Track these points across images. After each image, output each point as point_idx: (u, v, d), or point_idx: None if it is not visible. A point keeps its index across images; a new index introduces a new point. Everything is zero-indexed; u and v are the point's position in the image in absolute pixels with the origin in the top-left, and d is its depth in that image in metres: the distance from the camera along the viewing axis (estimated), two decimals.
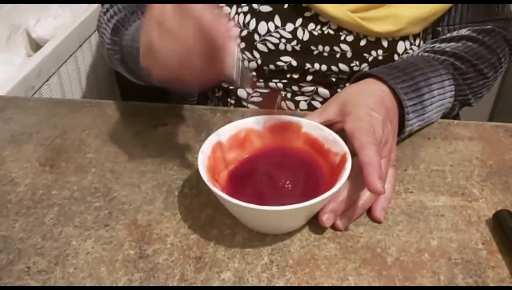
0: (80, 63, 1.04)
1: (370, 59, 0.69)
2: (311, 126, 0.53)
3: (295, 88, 0.73)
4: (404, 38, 0.70)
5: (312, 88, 0.73)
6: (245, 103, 0.76)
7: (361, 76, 0.61)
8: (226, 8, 0.70)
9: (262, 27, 0.69)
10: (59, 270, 0.47)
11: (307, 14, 0.69)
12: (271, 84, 0.74)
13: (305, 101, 0.74)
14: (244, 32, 0.70)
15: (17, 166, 0.59)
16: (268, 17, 0.69)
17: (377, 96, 0.56)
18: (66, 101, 0.82)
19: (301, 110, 0.74)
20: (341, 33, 0.69)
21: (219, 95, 0.79)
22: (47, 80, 0.92)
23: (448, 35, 0.70)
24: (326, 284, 0.45)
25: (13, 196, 0.55)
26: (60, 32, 0.98)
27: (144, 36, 0.47)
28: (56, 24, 1.00)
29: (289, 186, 0.51)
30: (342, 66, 0.70)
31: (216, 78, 0.47)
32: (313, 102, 0.74)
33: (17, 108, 0.71)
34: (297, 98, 0.74)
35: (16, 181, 0.57)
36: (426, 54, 0.67)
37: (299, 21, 0.69)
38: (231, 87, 0.76)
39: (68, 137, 0.64)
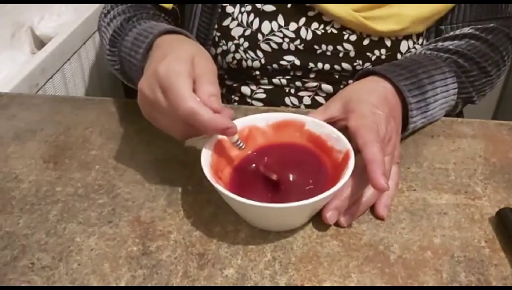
0: (84, 61, 1.04)
1: (373, 58, 0.69)
2: (314, 123, 0.54)
3: (298, 84, 0.73)
4: (407, 37, 0.70)
5: (315, 83, 0.73)
6: (249, 100, 0.76)
7: (365, 73, 0.61)
8: (229, 8, 0.70)
9: (266, 26, 0.69)
10: (63, 266, 0.47)
11: (310, 13, 0.69)
12: (275, 81, 0.74)
13: (309, 96, 0.74)
14: (248, 32, 0.70)
15: (21, 163, 0.60)
16: (272, 17, 0.69)
17: (380, 94, 0.56)
18: (70, 98, 0.83)
19: (305, 105, 0.74)
20: (344, 33, 0.69)
21: (223, 92, 0.79)
22: (51, 78, 0.92)
23: (451, 33, 0.70)
24: (328, 282, 0.45)
25: (17, 192, 0.55)
26: (64, 29, 0.98)
27: (140, 106, 0.53)
28: (60, 22, 1.00)
29: (292, 183, 0.51)
30: (345, 65, 0.70)
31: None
32: (317, 97, 0.74)
33: (21, 105, 0.71)
34: (301, 93, 0.74)
35: (20, 178, 0.57)
36: (429, 52, 0.67)
37: (302, 21, 0.69)
38: (235, 85, 0.77)
39: (72, 134, 0.64)
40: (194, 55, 0.51)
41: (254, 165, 0.53)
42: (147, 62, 0.54)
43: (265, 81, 0.74)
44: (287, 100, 0.74)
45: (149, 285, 0.45)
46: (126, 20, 0.68)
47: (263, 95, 0.75)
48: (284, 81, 0.73)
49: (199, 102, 0.47)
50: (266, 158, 0.54)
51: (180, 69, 0.49)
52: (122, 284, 0.45)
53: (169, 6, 0.73)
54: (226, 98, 0.78)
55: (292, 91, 0.74)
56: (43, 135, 0.64)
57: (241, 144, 0.51)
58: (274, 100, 0.74)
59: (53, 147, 0.62)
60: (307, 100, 0.74)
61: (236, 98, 0.77)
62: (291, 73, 0.73)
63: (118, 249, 0.48)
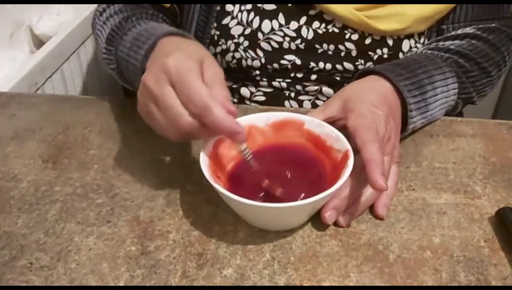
0: (83, 60, 1.04)
1: (375, 57, 0.69)
2: (314, 123, 0.53)
3: (299, 87, 0.73)
4: (409, 37, 0.70)
5: (316, 87, 0.73)
6: (248, 102, 0.76)
7: (364, 73, 0.61)
8: (229, 6, 0.70)
9: (266, 25, 0.69)
10: (62, 266, 0.47)
11: (311, 12, 0.69)
12: (275, 83, 0.73)
13: (309, 100, 0.74)
14: (248, 30, 0.70)
15: (20, 162, 0.60)
16: (272, 15, 0.69)
17: (380, 93, 0.55)
18: (69, 97, 0.82)
19: (305, 109, 0.73)
20: (346, 32, 0.69)
21: None
22: (50, 77, 0.92)
23: (453, 33, 0.70)
24: (327, 281, 0.45)
25: (16, 192, 0.55)
26: (63, 29, 0.98)
27: (139, 99, 0.49)
28: (59, 21, 1.00)
29: (291, 183, 0.51)
30: (347, 65, 0.70)
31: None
32: (317, 102, 0.74)
33: (20, 105, 0.71)
34: (301, 97, 0.74)
35: (19, 177, 0.57)
36: (430, 51, 0.67)
37: (303, 19, 0.69)
38: (234, 86, 0.76)
39: (70, 133, 0.64)
40: (203, 58, 0.49)
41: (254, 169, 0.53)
42: (150, 60, 0.53)
43: (265, 83, 0.74)
44: (286, 103, 0.74)
45: (148, 285, 0.45)
46: (125, 19, 0.66)
47: (263, 98, 0.75)
48: (284, 84, 0.73)
49: (214, 99, 0.45)
50: (265, 157, 0.53)
51: (192, 66, 0.46)
52: (121, 284, 0.45)
53: (167, 4, 0.73)
54: None
55: (292, 94, 0.74)
56: (42, 134, 0.64)
57: (248, 155, 0.48)
58: (273, 104, 0.73)
59: (52, 147, 0.62)
60: (307, 104, 0.74)
61: (235, 100, 0.77)
62: (292, 75, 0.72)
63: (117, 249, 0.48)
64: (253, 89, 0.75)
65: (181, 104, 0.45)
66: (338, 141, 0.51)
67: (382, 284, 0.45)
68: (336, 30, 0.69)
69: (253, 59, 0.71)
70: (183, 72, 0.45)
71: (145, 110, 0.49)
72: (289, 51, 0.70)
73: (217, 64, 0.50)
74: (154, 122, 0.49)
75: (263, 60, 0.71)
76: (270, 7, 0.69)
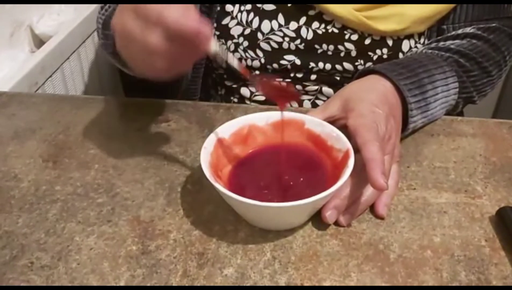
0: (83, 60, 1.04)
1: (375, 57, 0.69)
2: (314, 122, 0.53)
3: (299, 87, 0.73)
4: (409, 37, 0.69)
5: (316, 87, 0.73)
6: (248, 102, 0.76)
7: (365, 72, 0.61)
8: (229, 6, 0.70)
9: (266, 25, 0.69)
10: (62, 266, 0.47)
11: (311, 12, 0.69)
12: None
13: (309, 100, 0.74)
14: (247, 31, 0.70)
15: (20, 162, 0.60)
16: (272, 16, 0.69)
17: (380, 92, 0.55)
18: (69, 97, 0.82)
19: (305, 109, 0.74)
20: (345, 32, 0.68)
21: (222, 93, 0.79)
22: (50, 76, 0.92)
23: (453, 32, 0.70)
24: (328, 281, 0.45)
25: (16, 192, 0.55)
26: (64, 28, 0.98)
27: (116, 26, 0.46)
28: (60, 21, 1.00)
29: (292, 182, 0.51)
30: (347, 65, 0.70)
31: (196, 60, 0.46)
32: (317, 101, 0.74)
33: (21, 104, 0.71)
34: (301, 97, 0.74)
35: (19, 177, 0.57)
36: (430, 51, 0.67)
37: (303, 20, 0.69)
38: (234, 86, 0.76)
39: (71, 133, 0.64)
40: None
41: (253, 164, 0.53)
42: None
43: None
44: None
45: (149, 284, 0.45)
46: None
47: (263, 98, 0.75)
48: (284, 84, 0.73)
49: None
50: (265, 157, 0.53)
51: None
52: (122, 283, 0.45)
53: None
54: (225, 100, 0.78)
55: None
56: (43, 134, 0.64)
57: (221, 55, 0.46)
58: (273, 103, 0.73)
59: (52, 146, 0.62)
60: (307, 104, 0.74)
61: (235, 100, 0.77)
62: (291, 75, 0.72)
63: (118, 249, 0.48)
64: (253, 89, 0.75)
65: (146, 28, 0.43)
66: (338, 140, 0.51)
67: (383, 284, 0.45)
68: (336, 31, 0.69)
69: (252, 59, 0.71)
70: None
71: (123, 42, 0.47)
72: (288, 51, 0.70)
73: None
74: (136, 47, 0.45)
75: (262, 60, 0.71)
76: (270, 7, 0.69)
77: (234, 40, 0.70)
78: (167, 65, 0.45)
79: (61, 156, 0.60)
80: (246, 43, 0.70)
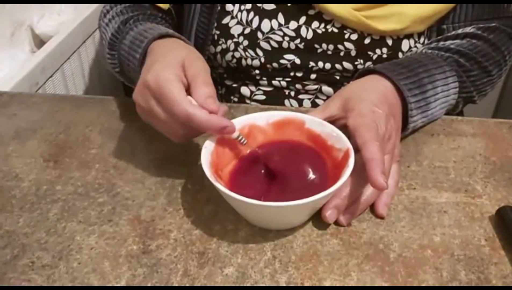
0: (84, 59, 1.04)
1: (375, 57, 0.69)
2: (314, 122, 0.54)
3: (298, 86, 0.73)
4: (409, 36, 0.69)
5: (316, 86, 0.73)
6: (248, 101, 0.76)
7: (364, 72, 0.61)
8: (229, 6, 0.70)
9: (266, 25, 0.69)
10: (63, 265, 0.47)
11: (311, 12, 0.69)
12: (275, 82, 0.74)
13: (309, 99, 0.74)
14: (247, 30, 0.70)
15: (21, 161, 0.60)
16: (272, 15, 0.69)
17: (380, 92, 0.55)
18: (70, 97, 0.83)
19: (305, 108, 0.74)
20: (345, 32, 0.69)
21: (222, 92, 0.79)
22: (50, 76, 0.92)
23: (453, 32, 0.70)
24: (328, 280, 0.45)
25: (17, 191, 0.55)
26: (64, 28, 0.98)
27: (138, 112, 0.54)
28: (60, 21, 1.00)
29: (292, 182, 0.51)
30: (346, 65, 0.70)
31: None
32: (317, 100, 0.74)
33: (21, 104, 0.71)
34: (301, 96, 0.74)
35: (20, 176, 0.57)
36: (430, 51, 0.67)
37: (302, 19, 0.69)
38: (234, 85, 0.76)
39: (71, 133, 0.64)
40: (183, 59, 0.52)
41: (253, 163, 0.53)
42: (144, 67, 0.55)
43: (265, 82, 0.74)
44: (286, 102, 0.74)
45: (149, 284, 0.45)
46: (123, 22, 0.69)
47: (263, 97, 0.75)
48: (284, 83, 0.73)
49: (193, 104, 0.48)
50: (266, 156, 0.53)
51: (169, 75, 0.50)
52: (122, 283, 0.45)
53: (165, 6, 0.73)
54: (225, 99, 0.78)
55: (292, 93, 0.74)
56: (43, 134, 0.64)
57: (242, 140, 0.52)
58: (273, 103, 0.74)
59: (53, 146, 0.62)
60: (307, 103, 0.74)
61: (235, 99, 0.77)
62: (291, 74, 0.72)
63: (118, 248, 0.48)
64: (253, 88, 0.75)
65: (169, 117, 0.50)
66: (338, 140, 0.51)
67: (383, 283, 0.45)
68: (335, 30, 0.69)
69: (252, 59, 0.71)
70: (162, 85, 0.49)
71: (147, 121, 0.54)
72: (288, 50, 0.70)
73: (199, 59, 0.54)
74: (158, 130, 0.54)
75: (262, 60, 0.71)
76: (270, 7, 0.69)
77: (234, 40, 0.71)
78: (185, 138, 0.53)
79: (62, 156, 0.60)
80: (246, 43, 0.70)
